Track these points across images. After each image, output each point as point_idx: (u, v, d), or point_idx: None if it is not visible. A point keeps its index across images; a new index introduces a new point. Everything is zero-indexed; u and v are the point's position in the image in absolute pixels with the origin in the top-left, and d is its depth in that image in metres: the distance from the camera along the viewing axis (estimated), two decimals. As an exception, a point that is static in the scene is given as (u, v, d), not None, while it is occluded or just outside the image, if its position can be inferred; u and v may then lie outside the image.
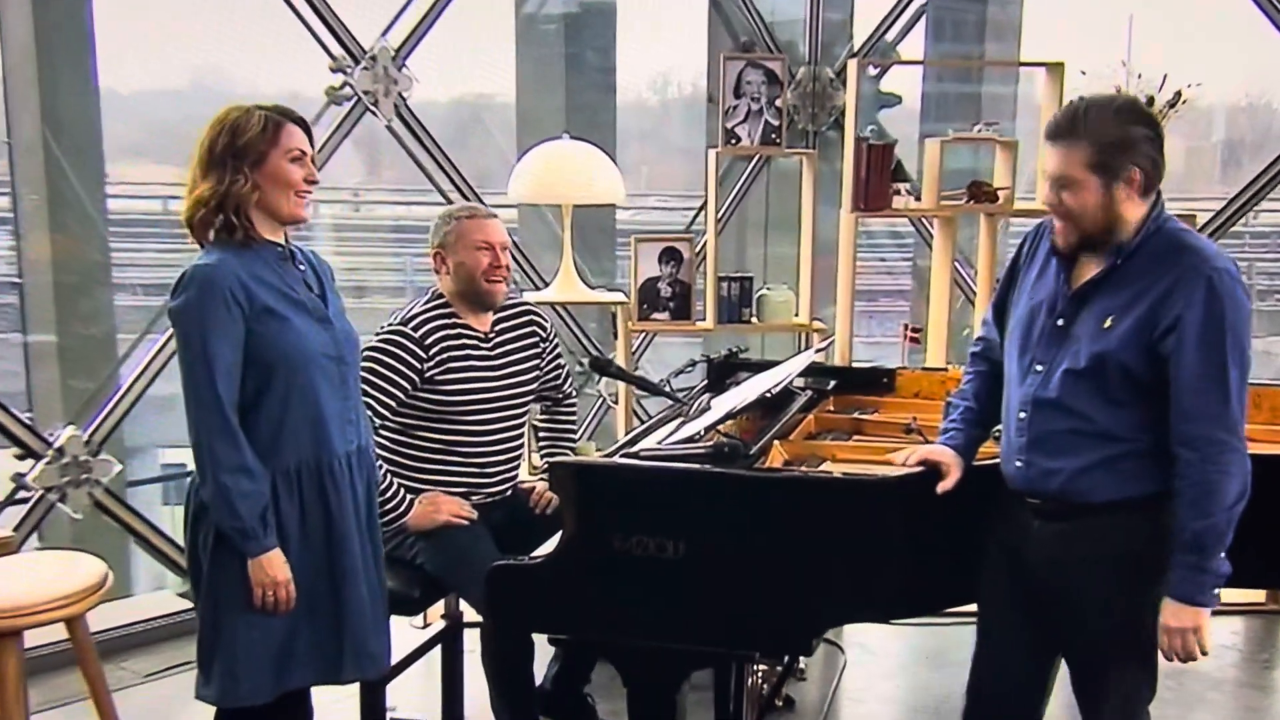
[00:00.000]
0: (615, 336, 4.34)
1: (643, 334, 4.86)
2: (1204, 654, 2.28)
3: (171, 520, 4.88)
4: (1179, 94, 3.70)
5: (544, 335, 3.31)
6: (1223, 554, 2.22)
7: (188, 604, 4.28)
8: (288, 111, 2.46)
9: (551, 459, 3.36)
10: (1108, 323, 2.28)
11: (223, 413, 2.34)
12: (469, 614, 3.36)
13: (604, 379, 4.93)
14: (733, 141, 4.33)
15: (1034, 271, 2.47)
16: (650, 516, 2.50)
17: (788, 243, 6.03)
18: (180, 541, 4.25)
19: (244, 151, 2.38)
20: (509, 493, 3.24)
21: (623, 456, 2.67)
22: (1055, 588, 2.37)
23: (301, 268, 2.50)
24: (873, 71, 5.56)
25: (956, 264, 4.62)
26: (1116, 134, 2.24)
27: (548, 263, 5.08)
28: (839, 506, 2.49)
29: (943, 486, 2.48)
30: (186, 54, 6.52)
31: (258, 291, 2.38)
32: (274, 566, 2.42)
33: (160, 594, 4.60)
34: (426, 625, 3.68)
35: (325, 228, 5.06)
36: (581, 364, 4.94)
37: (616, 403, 4.83)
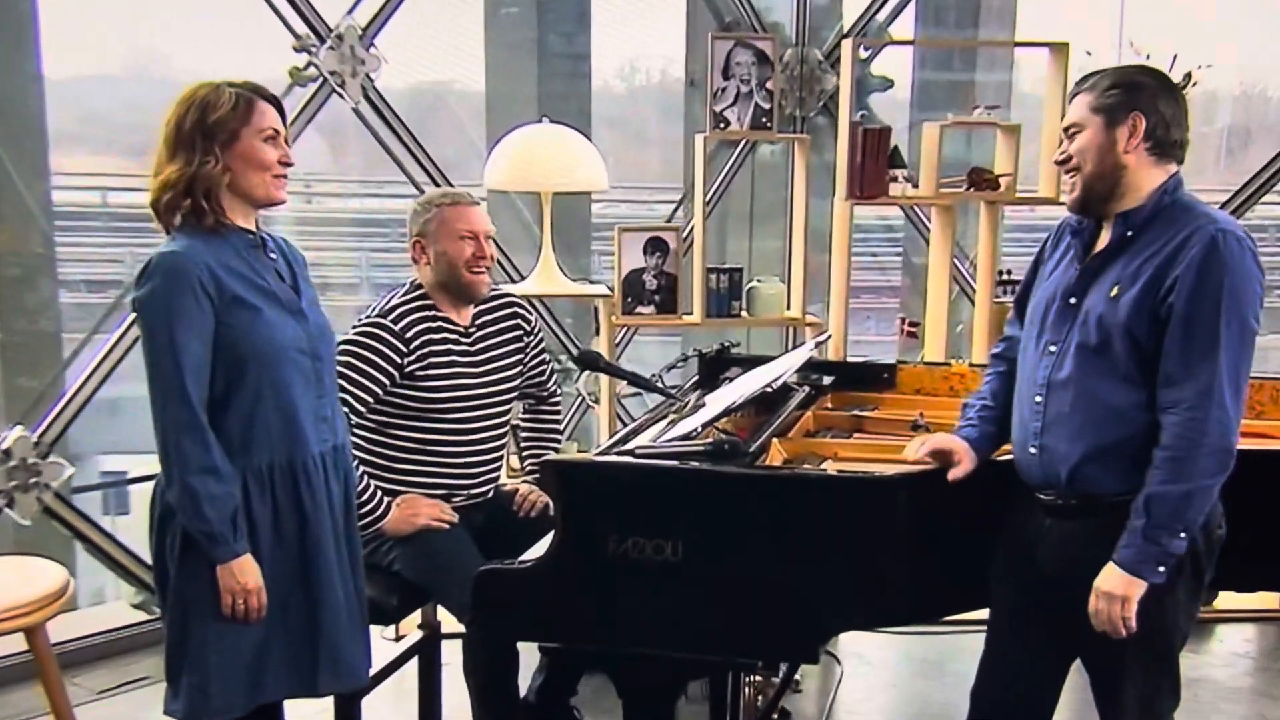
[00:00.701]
0: (597, 332, 4.33)
1: (624, 329, 4.85)
2: (1128, 631, 2.27)
3: (113, 531, 4.82)
4: (1189, 75, 3.75)
5: (528, 329, 3.30)
6: (1181, 531, 2.23)
7: (141, 616, 4.26)
8: (259, 88, 2.44)
9: (538, 459, 3.36)
10: (1115, 291, 2.31)
11: (190, 409, 2.32)
12: (446, 624, 3.36)
13: (582, 376, 4.93)
14: (721, 125, 4.33)
15: (1054, 261, 2.53)
16: (647, 517, 2.50)
17: (770, 235, 6.06)
18: (134, 549, 4.27)
19: (214, 130, 2.37)
20: (490, 495, 3.24)
21: (617, 455, 2.66)
22: (1069, 589, 2.38)
23: (273, 256, 2.49)
24: (864, 54, 5.59)
25: (954, 258, 4.65)
26: (1122, 79, 2.34)
27: (520, 255, 5.07)
28: (846, 506, 2.50)
29: (954, 474, 2.50)
30: (121, 37, 6.44)
31: (227, 281, 2.36)
32: (244, 573, 2.40)
33: (112, 605, 4.56)
34: (400, 637, 3.66)
35: (284, 219, 5.02)
36: (560, 361, 4.93)
37: (596, 401, 4.83)
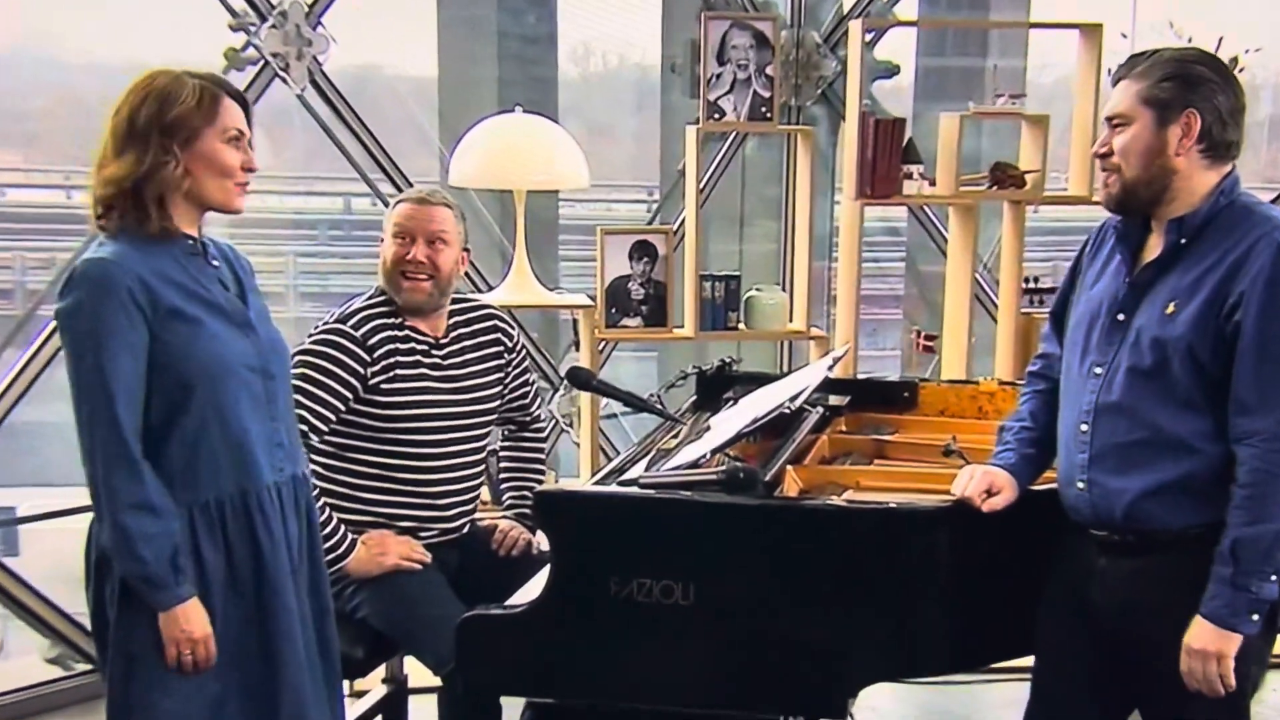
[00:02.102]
0: (576, 347, 4.31)
1: (603, 344, 4.82)
2: (1228, 689, 2.28)
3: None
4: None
5: (510, 344, 3.29)
6: (1273, 575, 2.23)
7: (58, 672, 4.17)
8: (224, 83, 2.42)
9: (520, 493, 3.36)
10: (1170, 308, 2.31)
11: (121, 438, 2.28)
12: (415, 677, 3.32)
13: (556, 397, 4.91)
14: (715, 116, 4.33)
15: (1095, 269, 2.52)
16: (654, 556, 2.49)
17: (756, 238, 6.07)
18: (52, 598, 4.20)
19: (174, 127, 2.33)
20: (466, 531, 3.22)
21: (617, 485, 2.64)
22: (1128, 635, 2.39)
23: (215, 263, 2.46)
24: (867, 37, 5.60)
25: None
26: (1179, 69, 2.31)
27: (480, 260, 5.05)
28: (881, 541, 2.49)
29: (991, 504, 2.49)
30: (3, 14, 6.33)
31: (163, 291, 2.33)
32: (189, 620, 2.35)
33: (18, 661, 4.48)
34: (360, 694, 3.61)
35: (218, 220, 4.98)
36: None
37: (572, 425, 4.80)
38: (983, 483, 2.51)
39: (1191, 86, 2.30)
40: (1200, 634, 2.27)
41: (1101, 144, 2.40)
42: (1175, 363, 2.29)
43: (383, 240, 3.14)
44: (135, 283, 2.29)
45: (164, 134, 2.33)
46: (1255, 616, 2.25)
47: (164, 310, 2.32)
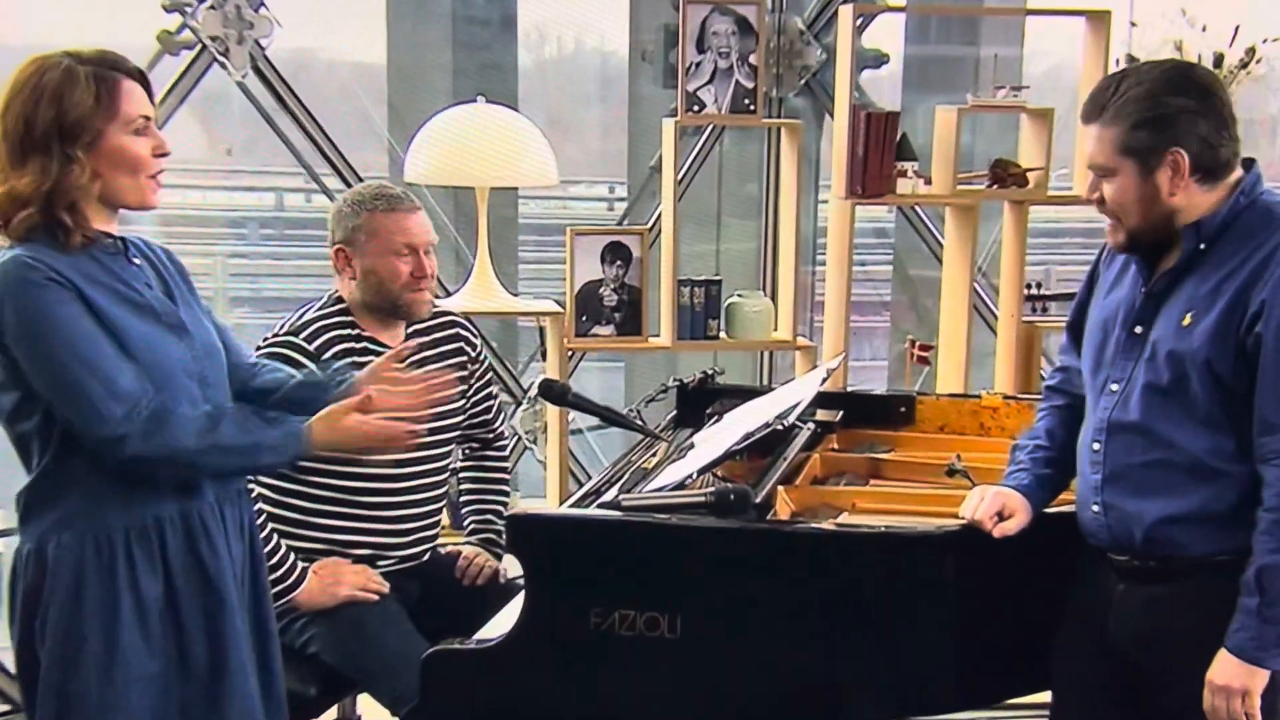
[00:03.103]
0: (543, 357, 4.30)
1: (572, 354, 4.80)
2: None
3: None
4: (1253, 51, 3.81)
5: (472, 355, 3.28)
6: None
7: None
8: (118, 62, 2.35)
9: (484, 517, 3.34)
10: (1187, 319, 2.31)
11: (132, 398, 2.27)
12: (370, 716, 3.29)
13: (519, 412, 4.89)
14: (695, 108, 4.33)
15: (1112, 275, 2.53)
16: (638, 584, 2.48)
17: (735, 239, 6.07)
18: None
19: (75, 131, 2.27)
20: (426, 557, 3.21)
21: (598, 507, 2.63)
22: (1147, 667, 2.39)
23: (136, 262, 2.42)
24: (857, 22, 5.62)
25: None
26: (1149, 110, 2.28)
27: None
28: (884, 568, 2.49)
29: (1003, 528, 2.49)
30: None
31: (91, 293, 2.29)
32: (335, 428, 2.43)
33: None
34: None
35: (149, 219, 4.94)
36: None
37: (536, 441, 4.79)
38: (994, 505, 2.51)
39: (1168, 124, 2.28)
40: (1224, 668, 2.27)
41: (1090, 190, 2.40)
42: (1194, 378, 2.29)
43: (351, 250, 3.08)
44: (60, 277, 2.26)
45: (65, 140, 2.27)
46: None
47: (94, 314, 2.29)
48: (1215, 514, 2.31)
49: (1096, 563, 2.47)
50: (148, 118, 2.35)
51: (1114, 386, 2.41)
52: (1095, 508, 2.43)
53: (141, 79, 2.37)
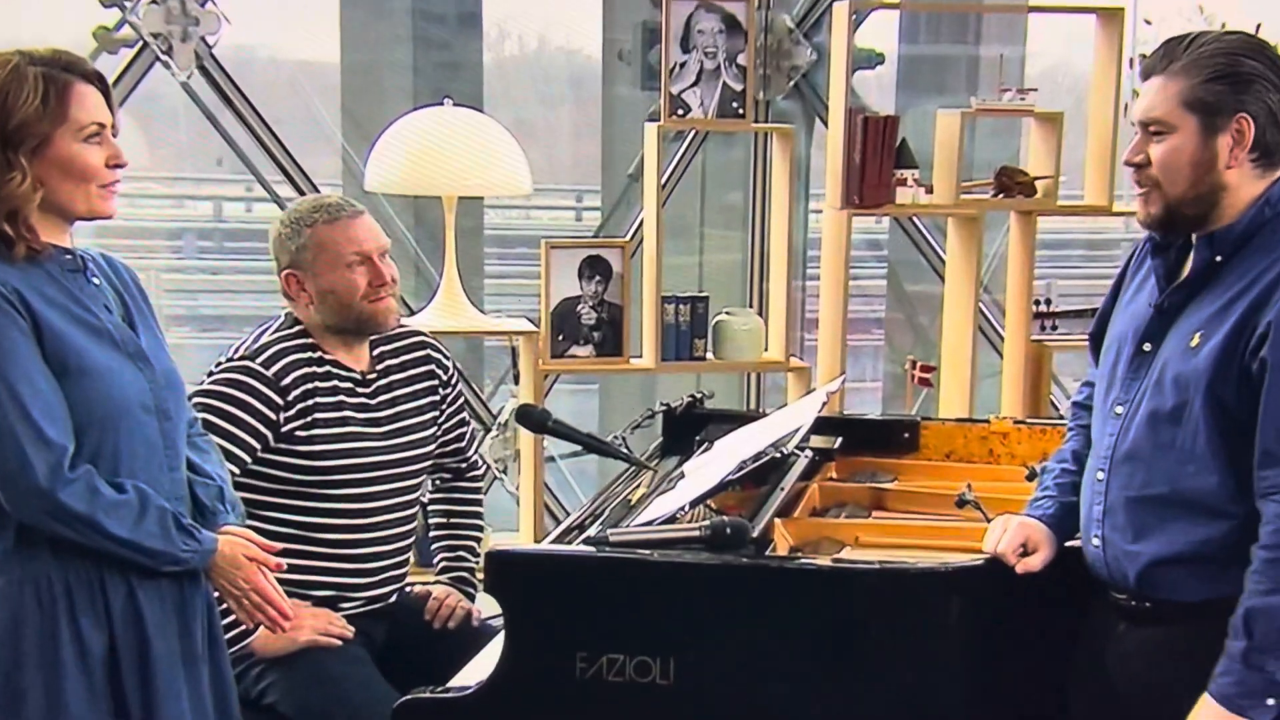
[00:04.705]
0: (516, 380, 4.30)
1: (547, 376, 4.81)
2: None
3: None
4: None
5: (444, 378, 3.28)
6: None
7: None
8: (73, 63, 2.34)
9: (456, 554, 3.34)
10: (1195, 339, 2.29)
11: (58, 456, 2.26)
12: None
13: (488, 439, 4.88)
14: (679, 112, 4.34)
15: (1134, 286, 2.52)
16: (628, 626, 2.48)
17: (718, 251, 6.09)
18: None
19: (18, 137, 2.26)
20: (394, 599, 3.20)
21: (584, 543, 2.63)
22: (1143, 712, 2.38)
23: (96, 281, 2.42)
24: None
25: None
26: (1227, 65, 2.25)
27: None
28: (896, 607, 2.49)
29: (1024, 565, 2.49)
30: None
31: (45, 313, 2.28)
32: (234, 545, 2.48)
33: None
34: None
35: (80, 230, 4.93)
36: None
37: (506, 471, 4.78)
38: (1017, 537, 2.50)
39: (1243, 86, 2.25)
40: (1205, 715, 2.23)
41: (1135, 151, 2.35)
42: (1197, 405, 2.27)
43: (300, 273, 3.08)
44: (11, 292, 2.24)
45: (8, 145, 2.26)
46: (1271, 701, 2.20)
47: (46, 334, 2.27)
48: (1214, 556, 2.28)
49: (1101, 597, 2.46)
50: (102, 125, 2.34)
51: (1119, 410, 2.40)
52: (1095, 541, 2.42)
53: (100, 82, 2.37)
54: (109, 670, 2.39)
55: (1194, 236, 2.35)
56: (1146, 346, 2.38)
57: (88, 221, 2.41)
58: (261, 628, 2.91)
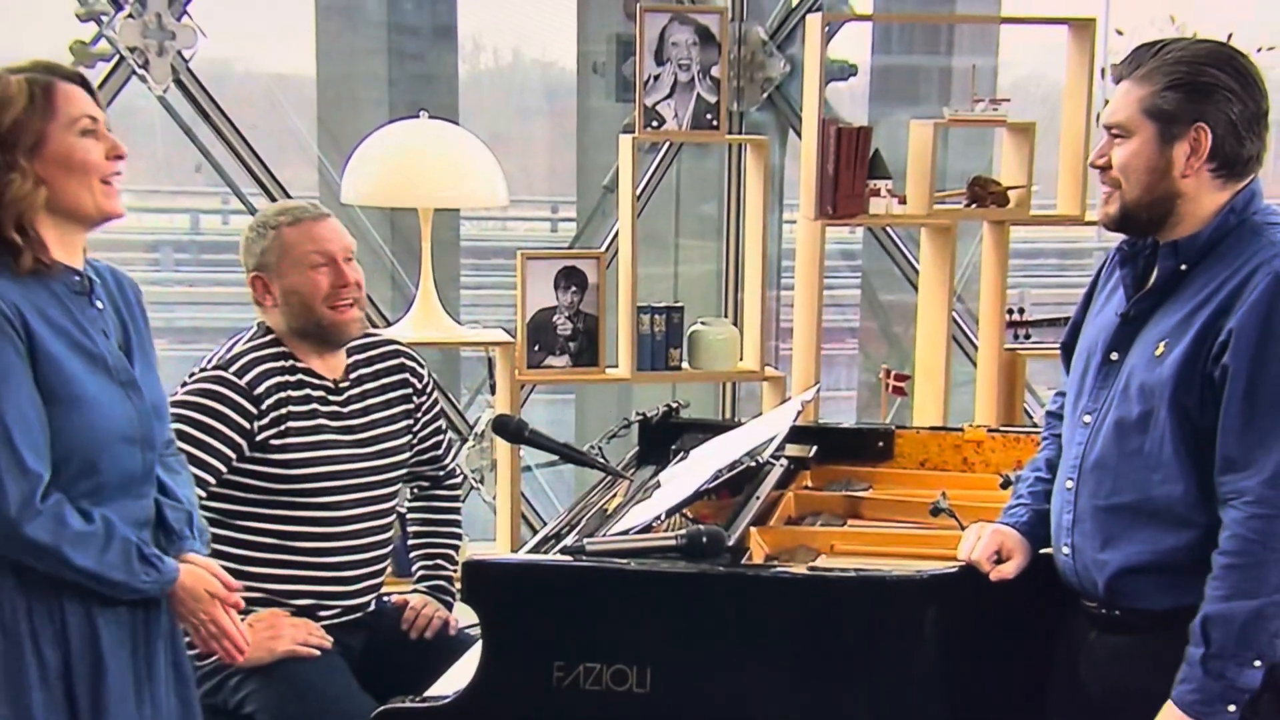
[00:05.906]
0: (492, 390, 4.29)
1: (523, 386, 4.80)
2: None
3: None
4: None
5: (419, 386, 3.27)
6: (1255, 659, 2.19)
7: None
8: (54, 68, 2.34)
9: (434, 562, 3.33)
10: (1160, 348, 2.30)
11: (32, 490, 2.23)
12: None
13: (465, 449, 4.87)
14: (654, 124, 4.34)
15: (1104, 294, 2.53)
16: (604, 635, 2.48)
17: (692, 261, 6.09)
18: None
19: (13, 137, 2.26)
20: (371, 608, 3.19)
21: (560, 552, 2.62)
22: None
23: (99, 306, 2.40)
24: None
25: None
26: (1187, 75, 2.26)
27: (373, 288, 5.00)
28: (872, 615, 2.50)
29: (1000, 572, 2.49)
30: None
31: (43, 335, 2.26)
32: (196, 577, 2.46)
33: None
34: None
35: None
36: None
37: (483, 481, 4.77)
38: (991, 544, 2.51)
39: (1202, 95, 2.25)
40: None
41: (1099, 154, 2.37)
42: (1162, 413, 2.27)
43: (266, 275, 3.07)
44: (11, 310, 2.23)
45: (4, 148, 2.25)
46: (1231, 708, 2.21)
47: (41, 357, 2.25)
48: (1181, 564, 2.28)
49: (1073, 605, 2.47)
50: (94, 118, 2.34)
51: (1087, 419, 2.41)
52: (1066, 550, 2.43)
53: (81, 81, 2.37)
54: (66, 686, 2.36)
55: (1160, 245, 2.37)
56: (1114, 355, 2.39)
57: (99, 225, 2.39)
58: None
